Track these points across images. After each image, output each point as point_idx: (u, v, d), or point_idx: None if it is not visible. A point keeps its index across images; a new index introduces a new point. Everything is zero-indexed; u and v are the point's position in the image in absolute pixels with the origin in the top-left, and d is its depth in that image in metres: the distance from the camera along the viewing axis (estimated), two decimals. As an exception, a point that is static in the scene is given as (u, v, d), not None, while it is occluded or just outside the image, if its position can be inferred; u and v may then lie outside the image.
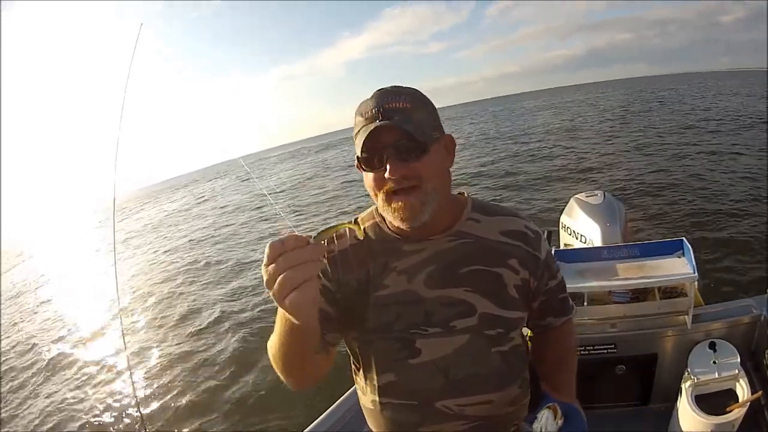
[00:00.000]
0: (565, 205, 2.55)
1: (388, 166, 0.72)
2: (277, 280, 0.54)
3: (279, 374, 0.82)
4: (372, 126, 0.71)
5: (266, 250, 0.55)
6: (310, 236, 0.58)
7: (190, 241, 11.48)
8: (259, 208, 13.40)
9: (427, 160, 0.74)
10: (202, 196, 23.89)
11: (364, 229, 0.85)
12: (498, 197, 8.43)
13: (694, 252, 1.80)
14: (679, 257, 1.85)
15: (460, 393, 0.82)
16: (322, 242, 0.58)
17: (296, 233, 0.56)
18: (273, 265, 0.54)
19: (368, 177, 0.76)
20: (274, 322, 0.72)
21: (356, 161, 0.76)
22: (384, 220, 0.84)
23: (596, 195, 2.44)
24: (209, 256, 9.19)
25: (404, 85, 0.78)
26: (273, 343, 0.76)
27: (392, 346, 0.81)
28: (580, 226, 2.35)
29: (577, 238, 2.38)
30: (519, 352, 0.86)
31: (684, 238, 1.89)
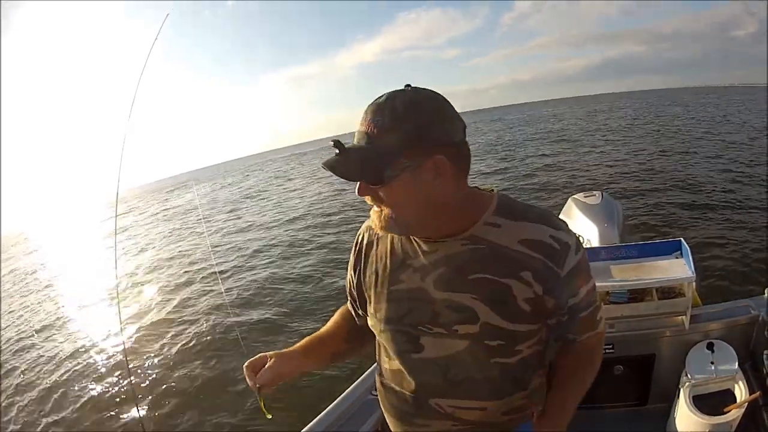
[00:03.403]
0: (563, 206, 2.55)
1: (357, 186, 0.75)
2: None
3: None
4: (328, 161, 0.73)
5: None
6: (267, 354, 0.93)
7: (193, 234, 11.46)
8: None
9: (389, 190, 0.73)
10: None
11: None
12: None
13: (692, 252, 1.80)
14: (677, 258, 1.85)
15: (455, 395, 0.83)
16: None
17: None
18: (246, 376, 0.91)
19: None
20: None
21: None
22: None
23: (594, 195, 2.44)
24: (216, 253, 9.18)
25: (410, 91, 0.73)
26: None
27: (400, 338, 0.85)
28: (578, 227, 2.34)
29: (575, 239, 2.37)
30: (528, 363, 0.84)
31: (682, 239, 1.89)
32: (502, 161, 12.95)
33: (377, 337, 0.92)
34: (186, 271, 8.44)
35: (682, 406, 1.67)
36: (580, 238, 2.30)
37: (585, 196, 2.45)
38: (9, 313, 8.60)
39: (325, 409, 1.60)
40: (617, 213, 2.34)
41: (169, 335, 5.62)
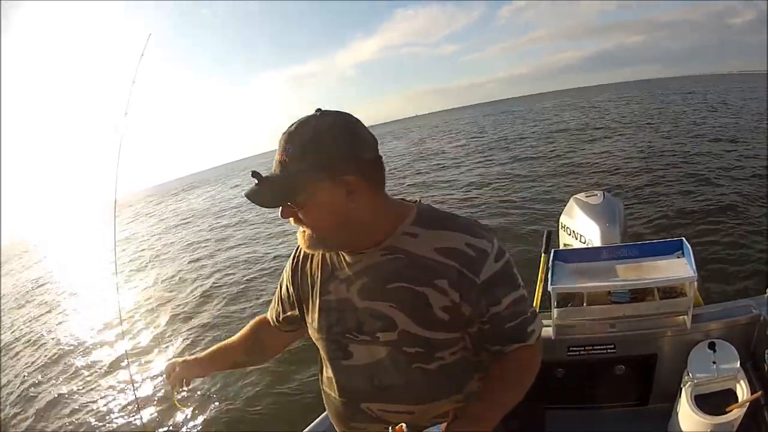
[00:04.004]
0: (565, 205, 2.55)
1: (280, 211, 0.80)
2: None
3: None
4: (252, 187, 0.77)
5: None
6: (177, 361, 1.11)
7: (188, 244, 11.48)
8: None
9: (306, 212, 0.79)
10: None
11: None
12: (496, 197, 8.46)
13: (693, 252, 1.80)
14: (679, 257, 1.85)
15: (382, 399, 0.87)
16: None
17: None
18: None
19: None
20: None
21: None
22: None
23: (596, 195, 2.44)
24: (212, 258, 9.19)
25: (318, 117, 0.78)
26: None
27: (331, 346, 0.91)
28: (580, 226, 2.34)
29: (576, 238, 2.37)
30: (455, 369, 0.85)
31: (683, 238, 1.89)
32: (501, 161, 12.94)
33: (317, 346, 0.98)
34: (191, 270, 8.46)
35: (684, 406, 1.67)
36: (582, 238, 2.31)
37: (586, 196, 2.45)
38: (15, 313, 8.62)
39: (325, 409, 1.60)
40: (619, 213, 2.33)
41: (170, 335, 5.64)
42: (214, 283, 7.30)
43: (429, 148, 21.14)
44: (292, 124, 0.79)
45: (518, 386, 0.87)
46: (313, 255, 0.94)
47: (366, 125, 0.81)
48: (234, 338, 1.14)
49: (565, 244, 2.48)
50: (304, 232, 0.83)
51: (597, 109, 28.17)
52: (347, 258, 0.86)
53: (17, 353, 6.51)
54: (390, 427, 0.79)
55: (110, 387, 4.66)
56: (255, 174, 0.78)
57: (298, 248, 0.97)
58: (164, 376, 1.11)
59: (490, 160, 13.39)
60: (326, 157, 0.76)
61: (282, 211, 0.80)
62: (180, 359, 1.12)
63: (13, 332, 7.65)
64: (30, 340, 6.93)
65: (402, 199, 0.91)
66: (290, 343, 1.12)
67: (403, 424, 0.79)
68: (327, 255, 0.91)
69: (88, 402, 4.48)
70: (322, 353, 0.95)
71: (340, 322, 0.88)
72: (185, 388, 1.10)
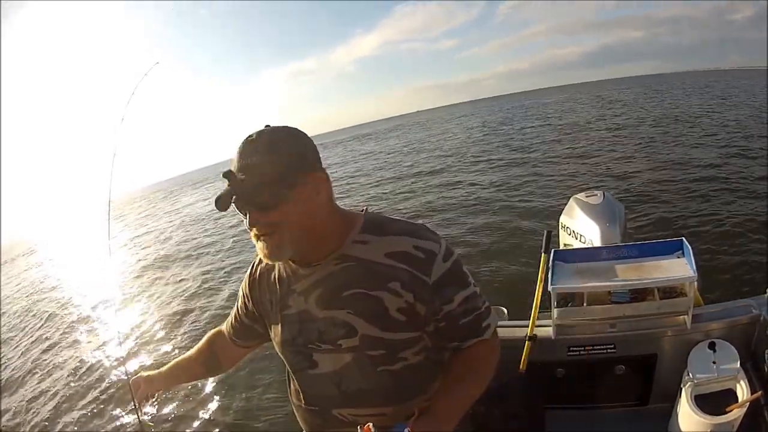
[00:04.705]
0: (565, 205, 2.55)
1: (247, 217, 0.80)
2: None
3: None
4: (220, 193, 0.78)
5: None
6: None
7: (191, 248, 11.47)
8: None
9: (282, 211, 0.79)
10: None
11: None
12: (496, 197, 8.46)
13: (693, 252, 1.80)
14: (679, 257, 1.85)
15: (352, 404, 0.89)
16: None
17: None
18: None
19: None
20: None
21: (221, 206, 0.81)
22: None
23: (596, 195, 2.44)
24: (208, 257, 9.19)
25: (272, 127, 0.82)
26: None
27: (296, 357, 0.93)
28: (580, 226, 2.35)
29: (576, 238, 2.37)
30: (420, 368, 0.88)
31: (684, 238, 1.89)
32: (501, 161, 12.94)
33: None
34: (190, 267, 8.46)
35: (684, 406, 1.67)
36: (582, 238, 2.31)
37: (587, 196, 2.45)
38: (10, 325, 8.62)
39: None
40: (619, 213, 2.34)
41: (169, 334, 5.63)
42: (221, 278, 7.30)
43: (429, 147, 21.13)
44: (251, 135, 0.81)
45: (478, 380, 0.90)
46: (269, 271, 0.96)
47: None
48: (192, 352, 1.19)
49: (565, 244, 2.48)
50: (264, 243, 0.83)
51: (596, 106, 28.14)
52: (301, 271, 0.89)
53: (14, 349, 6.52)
54: (359, 427, 0.79)
55: (109, 386, 4.66)
56: (227, 174, 0.78)
57: (253, 265, 1.02)
58: (131, 392, 1.18)
59: (491, 160, 13.37)
60: (297, 156, 0.81)
61: (251, 218, 0.80)
62: (144, 374, 1.19)
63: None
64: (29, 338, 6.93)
65: (350, 210, 0.93)
66: (245, 355, 1.17)
67: (370, 424, 0.79)
68: (282, 270, 0.94)
69: (84, 401, 4.48)
70: (288, 365, 0.98)
71: (302, 334, 0.90)
72: (151, 401, 1.19)
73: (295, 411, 1.02)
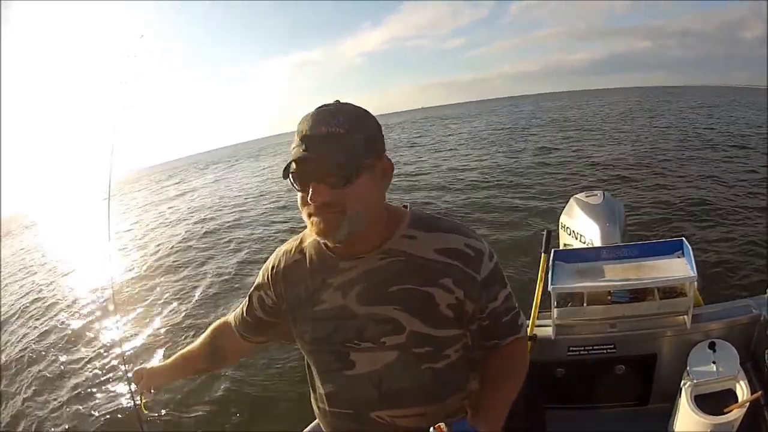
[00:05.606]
0: (565, 205, 2.55)
1: (310, 191, 0.74)
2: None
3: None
4: (299, 155, 0.73)
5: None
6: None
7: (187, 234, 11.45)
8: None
9: (353, 189, 0.75)
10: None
11: (306, 246, 0.90)
12: (495, 197, 8.45)
13: (693, 252, 1.80)
14: (679, 257, 1.85)
15: (392, 405, 0.86)
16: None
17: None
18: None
19: (298, 193, 0.78)
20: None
21: (284, 173, 0.76)
22: None
23: (596, 195, 2.44)
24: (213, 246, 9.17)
25: (348, 103, 0.78)
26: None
27: (329, 357, 0.88)
28: (580, 226, 2.35)
29: (576, 238, 2.37)
30: (458, 366, 0.87)
31: (683, 238, 1.89)
32: (501, 161, 12.94)
33: (306, 360, 0.95)
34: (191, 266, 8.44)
35: (684, 406, 1.67)
36: (582, 238, 2.31)
37: (587, 196, 2.45)
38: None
39: None
40: (619, 213, 2.34)
41: (169, 334, 5.62)
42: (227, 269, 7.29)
43: (428, 146, 21.12)
44: (326, 105, 0.77)
45: (519, 377, 0.92)
46: (297, 263, 0.91)
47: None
48: (195, 345, 1.14)
49: (565, 244, 2.48)
50: (322, 219, 0.76)
51: (601, 112, 28.14)
52: (341, 264, 0.85)
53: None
54: (431, 428, 0.82)
55: (108, 387, 4.65)
56: (310, 141, 0.73)
57: (276, 260, 0.95)
58: (133, 383, 1.17)
59: (492, 160, 13.38)
60: (373, 134, 0.78)
61: (320, 191, 0.74)
62: (147, 366, 1.18)
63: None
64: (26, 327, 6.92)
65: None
66: (251, 350, 1.12)
67: (441, 424, 0.81)
68: (315, 263, 0.88)
69: (83, 400, 4.47)
70: (317, 366, 0.92)
71: (338, 331, 0.85)
72: (152, 393, 1.18)
73: (320, 417, 0.97)
